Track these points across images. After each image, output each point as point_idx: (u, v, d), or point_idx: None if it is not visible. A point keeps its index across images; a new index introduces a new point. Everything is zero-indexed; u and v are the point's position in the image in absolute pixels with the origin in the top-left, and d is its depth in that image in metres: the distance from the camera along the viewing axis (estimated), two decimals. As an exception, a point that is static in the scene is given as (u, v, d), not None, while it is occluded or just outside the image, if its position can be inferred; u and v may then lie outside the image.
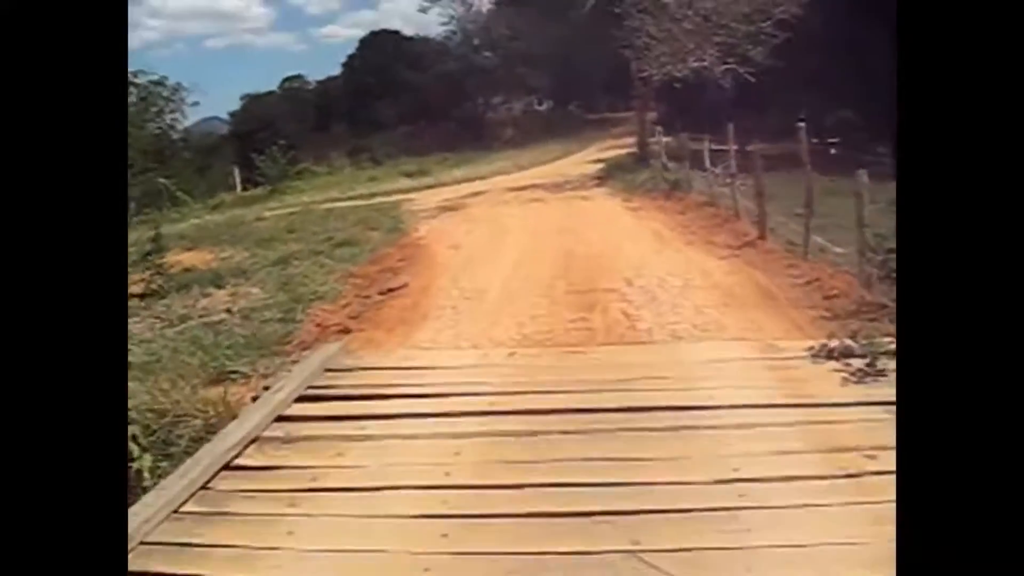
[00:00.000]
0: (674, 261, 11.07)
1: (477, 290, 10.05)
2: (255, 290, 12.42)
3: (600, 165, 31.53)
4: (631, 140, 42.49)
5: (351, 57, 65.04)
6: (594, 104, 64.38)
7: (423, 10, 47.93)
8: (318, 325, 9.40)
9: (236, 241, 18.60)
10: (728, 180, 16.96)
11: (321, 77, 67.80)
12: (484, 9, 49.03)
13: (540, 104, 59.10)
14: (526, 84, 50.29)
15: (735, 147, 15.15)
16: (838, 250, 11.60)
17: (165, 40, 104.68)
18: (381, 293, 10.42)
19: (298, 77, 67.23)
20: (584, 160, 36.11)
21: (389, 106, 51.98)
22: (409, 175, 34.19)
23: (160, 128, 43.73)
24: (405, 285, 10.61)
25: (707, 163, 17.75)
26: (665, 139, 25.10)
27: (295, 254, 15.20)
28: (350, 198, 29.36)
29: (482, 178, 32.41)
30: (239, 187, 36.16)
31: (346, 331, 8.90)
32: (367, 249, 15.26)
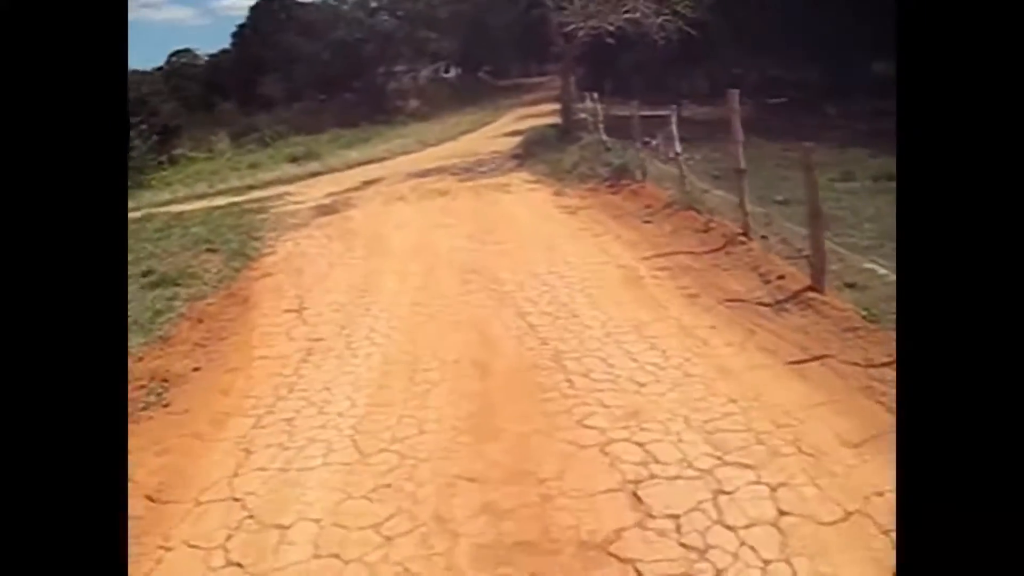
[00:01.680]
0: (702, 373, 5.20)
1: (280, 490, 4.04)
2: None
3: (517, 139, 25.51)
4: (549, 108, 36.51)
5: (241, 27, 57.29)
6: (505, 69, 58.03)
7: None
8: None
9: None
10: (677, 158, 11.37)
11: (215, 51, 60.19)
12: (380, -33, 41.98)
13: (447, 71, 52.21)
14: (430, 49, 43.47)
15: (734, 115, 9.25)
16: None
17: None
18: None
19: (186, 51, 59.14)
20: (498, 133, 30.01)
21: (281, 80, 44.85)
22: (295, 159, 27.66)
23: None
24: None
25: (676, 143, 11.84)
26: (597, 106, 19.11)
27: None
28: (219, 192, 22.99)
29: (380, 159, 26.20)
30: (97, 181, 29.06)
31: None
32: (185, 295, 9.36)
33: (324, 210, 16.23)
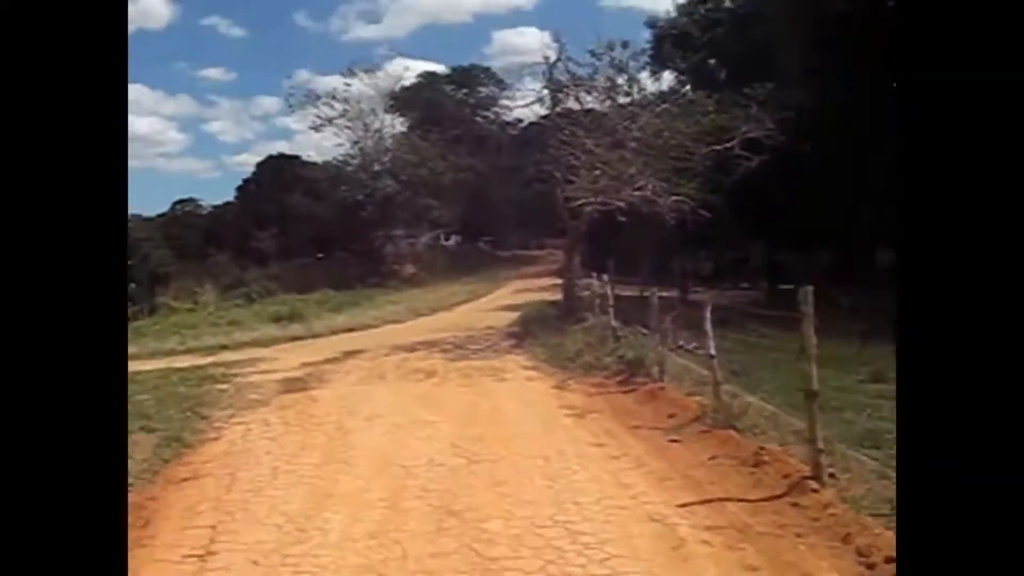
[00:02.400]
0: None
1: None
2: None
3: (514, 315, 23.61)
4: (547, 282, 34.94)
5: (246, 182, 56.96)
6: (504, 240, 57.16)
7: (316, 127, 40.06)
8: None
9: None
10: (711, 360, 9.30)
11: (219, 202, 59.62)
12: (386, 132, 41.25)
13: (447, 239, 51.07)
14: (431, 216, 42.32)
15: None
16: None
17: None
18: None
19: (190, 200, 58.80)
20: (494, 306, 28.15)
21: (278, 235, 43.56)
22: (279, 320, 25.61)
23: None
24: None
25: (710, 342, 9.70)
26: (607, 287, 17.11)
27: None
28: (189, 350, 20.79)
29: (368, 327, 24.15)
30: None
31: None
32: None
33: (292, 385, 14.03)
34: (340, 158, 41.20)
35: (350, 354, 18.32)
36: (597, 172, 18.50)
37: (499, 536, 5.69)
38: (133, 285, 31.02)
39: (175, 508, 7.03)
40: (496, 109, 49.74)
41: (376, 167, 40.08)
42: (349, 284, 35.65)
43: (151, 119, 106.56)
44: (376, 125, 40.59)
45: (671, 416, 9.48)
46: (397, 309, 27.93)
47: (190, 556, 5.73)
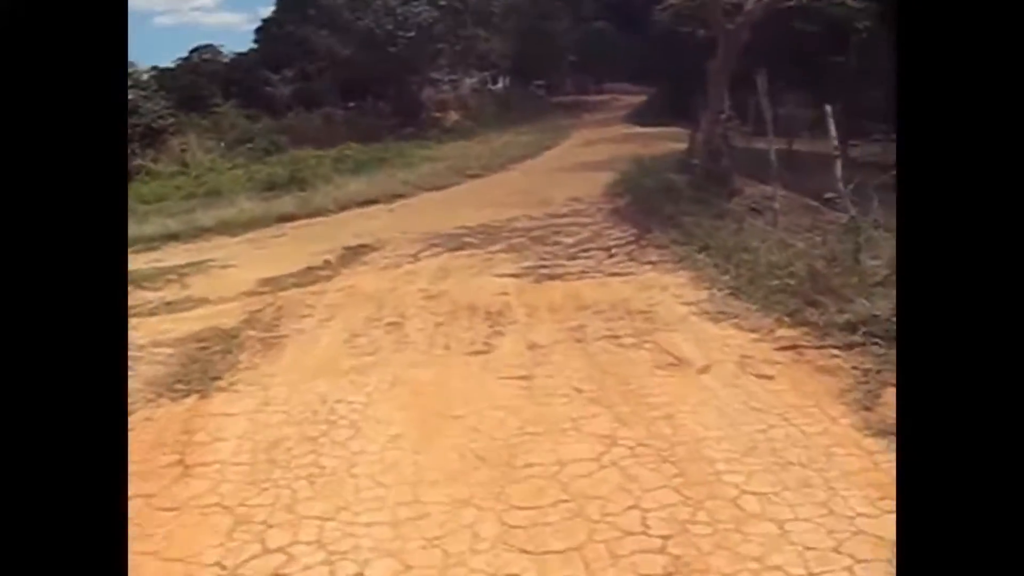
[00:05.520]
0: None
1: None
2: None
3: (605, 178, 14.78)
4: (619, 131, 26.06)
5: (266, 22, 46.97)
6: (559, 84, 47.07)
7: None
8: None
9: None
10: None
11: (244, 49, 49.94)
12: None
13: (495, 82, 41.20)
14: (477, 50, 32.59)
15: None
16: None
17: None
18: None
19: (208, 47, 48.95)
20: (569, 163, 19.20)
21: (296, 80, 34.53)
22: (271, 188, 17.07)
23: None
24: None
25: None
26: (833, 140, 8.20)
27: None
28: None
29: (392, 196, 15.51)
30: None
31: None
32: None
33: (194, 363, 5.97)
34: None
35: (353, 251, 10.18)
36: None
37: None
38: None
39: None
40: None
41: (409, -10, 30.43)
42: (379, 137, 26.91)
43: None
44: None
45: None
46: (437, 168, 19.17)
47: None
